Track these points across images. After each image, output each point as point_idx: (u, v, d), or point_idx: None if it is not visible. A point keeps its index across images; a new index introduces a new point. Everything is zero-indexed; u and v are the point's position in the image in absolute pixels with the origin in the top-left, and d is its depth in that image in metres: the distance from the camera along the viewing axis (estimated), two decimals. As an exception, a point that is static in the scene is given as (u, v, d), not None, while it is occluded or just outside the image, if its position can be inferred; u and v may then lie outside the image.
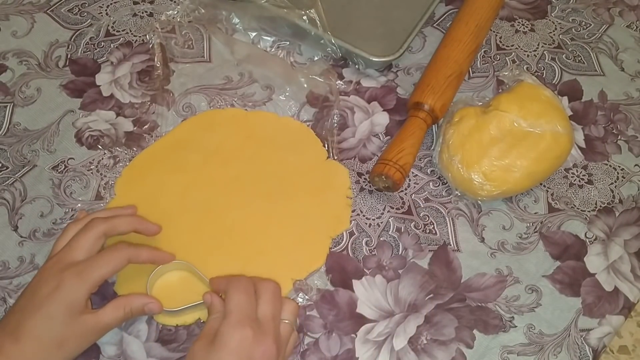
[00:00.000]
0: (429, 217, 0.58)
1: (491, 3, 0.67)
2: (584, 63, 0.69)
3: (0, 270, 0.53)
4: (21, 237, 0.55)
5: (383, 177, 0.56)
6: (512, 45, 0.70)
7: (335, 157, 0.60)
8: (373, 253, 0.55)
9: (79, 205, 0.56)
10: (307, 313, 0.52)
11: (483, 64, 0.68)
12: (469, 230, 0.57)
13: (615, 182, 0.61)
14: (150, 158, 0.59)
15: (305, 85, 0.64)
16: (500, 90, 0.65)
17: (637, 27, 0.72)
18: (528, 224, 0.58)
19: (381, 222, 0.57)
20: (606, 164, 0.62)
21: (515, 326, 0.53)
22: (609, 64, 0.69)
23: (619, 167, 0.62)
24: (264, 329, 0.44)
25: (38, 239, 0.54)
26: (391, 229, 0.57)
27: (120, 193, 0.57)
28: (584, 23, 0.72)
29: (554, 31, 0.71)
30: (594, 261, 0.56)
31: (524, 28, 0.71)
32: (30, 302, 0.44)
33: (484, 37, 0.68)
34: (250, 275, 0.49)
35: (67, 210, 0.56)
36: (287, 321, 0.47)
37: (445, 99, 0.61)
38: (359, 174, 0.60)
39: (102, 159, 0.59)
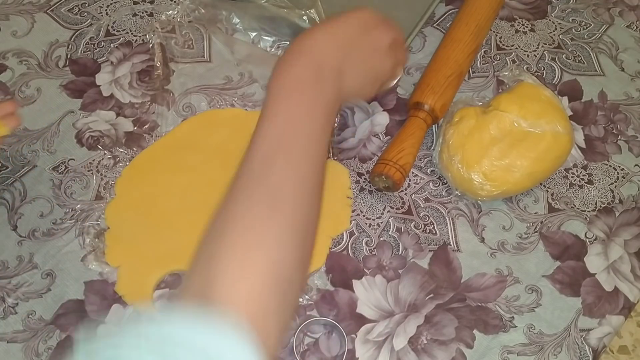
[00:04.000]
0: (429, 217, 0.58)
1: (491, 3, 0.67)
2: (584, 63, 0.69)
3: None
4: (20, 236, 0.55)
5: (383, 177, 0.56)
6: (512, 45, 0.70)
7: (335, 157, 0.60)
8: (373, 253, 0.55)
9: (79, 205, 0.56)
10: (307, 313, 0.52)
11: (483, 64, 0.68)
12: (469, 230, 0.57)
13: (615, 182, 0.61)
14: (150, 158, 0.59)
15: (305, 85, 0.64)
16: (500, 90, 0.65)
17: (637, 27, 0.72)
18: (528, 224, 0.58)
19: (381, 222, 0.57)
20: (606, 164, 0.62)
21: (515, 326, 0.53)
22: (609, 64, 0.69)
23: (619, 167, 0.62)
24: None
25: (37, 239, 0.54)
26: (391, 229, 0.57)
27: (120, 193, 0.57)
28: (584, 23, 0.72)
29: (554, 31, 0.71)
30: (594, 261, 0.56)
31: (524, 28, 0.71)
32: None
33: (484, 37, 0.68)
34: None
35: (67, 210, 0.56)
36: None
37: (445, 99, 0.61)
38: (359, 174, 0.60)
39: (102, 159, 0.59)
